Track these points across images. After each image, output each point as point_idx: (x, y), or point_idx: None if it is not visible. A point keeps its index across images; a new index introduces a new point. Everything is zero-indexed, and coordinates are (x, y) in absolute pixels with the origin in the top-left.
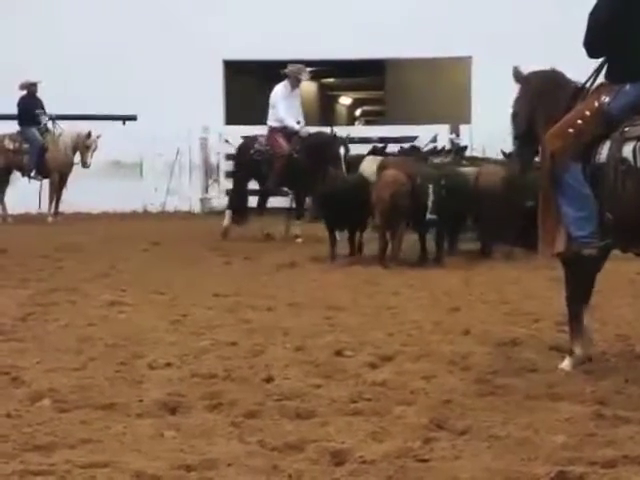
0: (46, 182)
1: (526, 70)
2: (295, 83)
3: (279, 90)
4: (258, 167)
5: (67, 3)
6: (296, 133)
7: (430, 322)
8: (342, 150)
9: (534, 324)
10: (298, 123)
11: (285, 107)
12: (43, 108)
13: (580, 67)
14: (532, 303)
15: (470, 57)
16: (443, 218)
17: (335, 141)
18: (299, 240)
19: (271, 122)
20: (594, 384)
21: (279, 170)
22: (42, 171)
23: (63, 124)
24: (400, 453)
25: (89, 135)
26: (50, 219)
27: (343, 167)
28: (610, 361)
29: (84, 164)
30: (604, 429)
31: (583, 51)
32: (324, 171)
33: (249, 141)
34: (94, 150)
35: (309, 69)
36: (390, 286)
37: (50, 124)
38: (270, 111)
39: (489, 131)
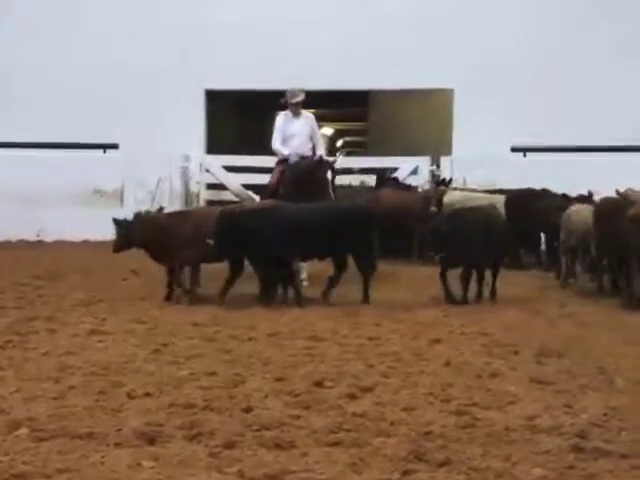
0: None
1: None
2: (293, 109)
3: (277, 120)
4: None
5: (49, 37)
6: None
7: (410, 353)
8: (329, 174)
9: (514, 356)
10: (311, 156)
11: (280, 137)
12: None
13: (563, 101)
14: (512, 335)
15: (452, 89)
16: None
17: (321, 165)
18: (305, 283)
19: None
20: (573, 417)
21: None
22: None
23: (44, 152)
24: None
25: None
26: None
27: (331, 192)
28: (589, 394)
29: None
30: (583, 462)
31: (564, 85)
32: (312, 198)
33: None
34: None
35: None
36: (370, 317)
37: None
38: None
39: (470, 163)
